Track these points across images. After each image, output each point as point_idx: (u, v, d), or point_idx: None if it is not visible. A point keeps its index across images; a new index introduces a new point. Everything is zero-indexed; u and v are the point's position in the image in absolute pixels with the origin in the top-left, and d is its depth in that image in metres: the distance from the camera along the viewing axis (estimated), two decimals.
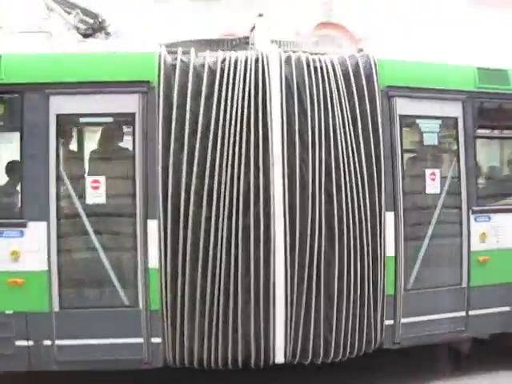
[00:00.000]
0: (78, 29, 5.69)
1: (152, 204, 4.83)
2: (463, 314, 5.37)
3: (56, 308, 4.82)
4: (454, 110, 5.39)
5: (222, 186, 4.81)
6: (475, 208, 5.40)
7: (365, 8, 15.64)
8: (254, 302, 4.86)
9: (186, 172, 4.81)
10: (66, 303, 4.86)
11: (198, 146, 4.80)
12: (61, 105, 4.84)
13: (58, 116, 4.83)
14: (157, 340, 4.89)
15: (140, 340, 4.89)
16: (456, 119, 5.38)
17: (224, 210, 4.81)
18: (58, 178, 4.83)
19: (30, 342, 4.83)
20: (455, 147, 5.44)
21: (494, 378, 5.56)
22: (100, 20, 5.79)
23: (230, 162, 4.83)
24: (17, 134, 4.91)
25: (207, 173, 4.80)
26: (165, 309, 4.85)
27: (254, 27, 5.62)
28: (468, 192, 5.38)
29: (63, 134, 5.00)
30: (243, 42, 5.64)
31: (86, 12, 5.78)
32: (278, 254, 4.85)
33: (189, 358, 4.95)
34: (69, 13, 5.73)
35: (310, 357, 5.05)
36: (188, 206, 4.80)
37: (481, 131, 5.61)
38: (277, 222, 4.84)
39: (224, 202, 4.81)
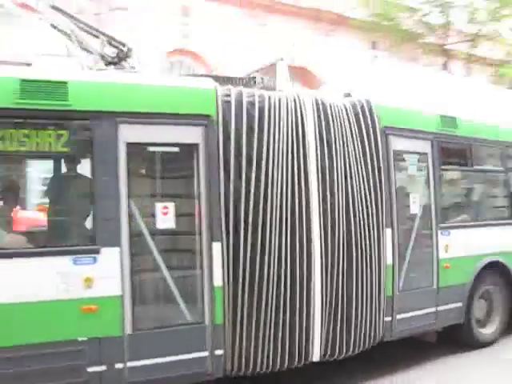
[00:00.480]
0: (103, 57, 5.84)
1: (216, 227, 5.30)
2: (434, 309, 6.75)
3: (128, 331, 4.98)
4: (425, 147, 6.84)
5: (274, 211, 5.51)
6: (441, 225, 6.89)
7: (218, 37, 16.79)
8: (299, 311, 5.66)
9: (245, 197, 5.41)
10: (137, 325, 5.05)
11: (253, 174, 5.45)
12: (130, 133, 5.06)
13: (127, 144, 5.04)
14: (219, 352, 5.34)
15: (205, 353, 5.29)
16: (427, 154, 6.82)
17: (274, 232, 5.51)
18: (129, 205, 5.05)
19: (103, 367, 4.88)
20: (427, 177, 6.90)
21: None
22: (127, 48, 5.95)
23: (279, 188, 5.56)
24: (86, 161, 5.02)
25: (261, 198, 5.45)
26: (227, 323, 5.35)
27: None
28: (436, 212, 6.87)
29: (132, 161, 5.16)
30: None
31: (112, 40, 5.95)
32: (317, 270, 5.74)
33: (245, 366, 5.50)
34: (97, 36, 5.90)
35: (337, 353, 5.96)
36: (247, 229, 5.41)
37: (444, 166, 7.13)
38: (315, 243, 5.74)
39: (274, 225, 5.51)
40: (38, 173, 9.61)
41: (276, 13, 18.54)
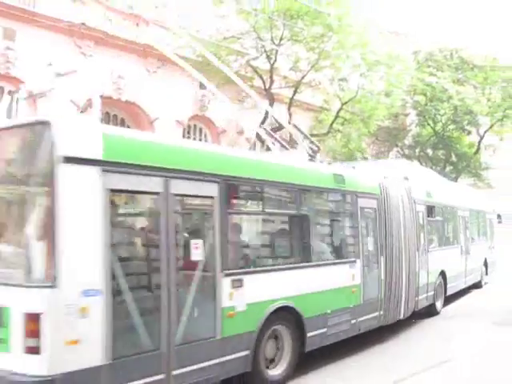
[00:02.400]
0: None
1: None
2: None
3: (361, 301, 9.21)
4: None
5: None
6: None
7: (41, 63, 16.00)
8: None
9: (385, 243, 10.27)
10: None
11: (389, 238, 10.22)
12: (362, 202, 9.86)
13: (360, 208, 9.72)
14: None
15: None
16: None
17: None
18: None
19: (353, 321, 8.97)
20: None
21: None
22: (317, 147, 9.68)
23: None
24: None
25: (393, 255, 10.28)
26: None
27: None
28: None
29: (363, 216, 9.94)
30: None
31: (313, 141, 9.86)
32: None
33: None
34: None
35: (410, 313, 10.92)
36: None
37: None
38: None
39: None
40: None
41: (106, 46, 18.05)
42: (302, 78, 19.67)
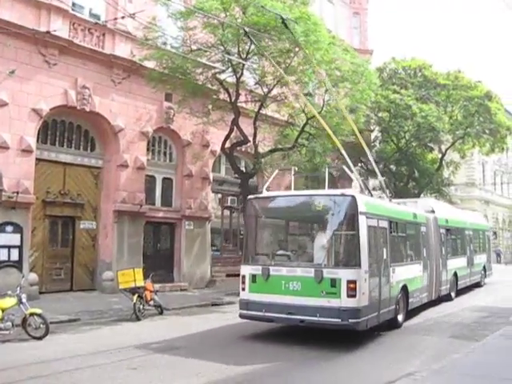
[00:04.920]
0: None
1: None
2: None
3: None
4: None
5: None
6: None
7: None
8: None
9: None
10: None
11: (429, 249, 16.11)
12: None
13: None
14: None
15: None
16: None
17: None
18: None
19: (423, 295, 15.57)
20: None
21: None
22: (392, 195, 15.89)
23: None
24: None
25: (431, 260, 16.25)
26: None
27: None
28: None
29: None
30: None
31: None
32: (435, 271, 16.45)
33: None
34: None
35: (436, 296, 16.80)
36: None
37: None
38: None
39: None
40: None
41: (71, 55, 17.80)
42: (268, 92, 19.77)
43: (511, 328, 12.64)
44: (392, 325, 12.39)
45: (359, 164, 32.25)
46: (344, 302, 10.25)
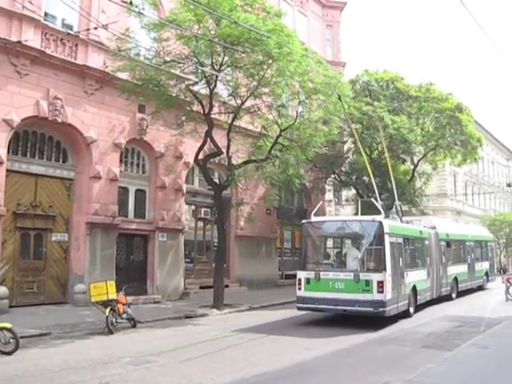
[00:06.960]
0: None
1: None
2: None
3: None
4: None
5: None
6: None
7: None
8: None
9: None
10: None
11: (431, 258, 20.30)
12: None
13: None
14: None
15: None
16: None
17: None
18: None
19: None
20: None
21: None
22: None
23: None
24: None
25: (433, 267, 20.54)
26: None
27: None
28: None
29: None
30: None
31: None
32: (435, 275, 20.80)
33: None
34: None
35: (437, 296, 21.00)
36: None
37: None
38: None
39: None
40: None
41: (43, 65, 17.63)
42: (242, 103, 19.80)
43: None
44: (406, 315, 16.35)
45: (332, 175, 32.50)
46: (375, 296, 14.38)
